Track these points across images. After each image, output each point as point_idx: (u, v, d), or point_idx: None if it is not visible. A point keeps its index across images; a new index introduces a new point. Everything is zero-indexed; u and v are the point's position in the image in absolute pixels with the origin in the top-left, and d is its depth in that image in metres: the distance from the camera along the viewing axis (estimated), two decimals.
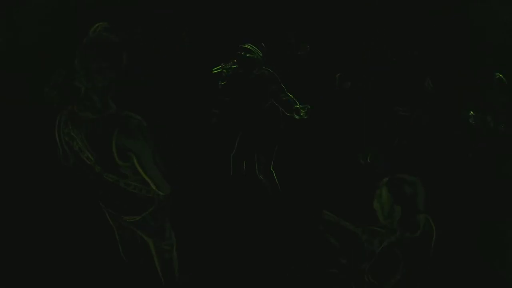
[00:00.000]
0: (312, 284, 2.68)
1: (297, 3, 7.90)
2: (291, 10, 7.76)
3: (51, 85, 1.69)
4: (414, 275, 1.83)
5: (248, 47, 3.15)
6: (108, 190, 1.93)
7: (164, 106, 4.60)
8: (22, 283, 2.65)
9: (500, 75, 4.12)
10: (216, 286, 2.73)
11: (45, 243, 2.92)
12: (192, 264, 2.66)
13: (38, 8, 5.72)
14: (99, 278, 2.67)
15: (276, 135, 3.37)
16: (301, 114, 2.91)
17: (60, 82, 1.64)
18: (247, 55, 3.13)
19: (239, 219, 3.30)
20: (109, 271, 2.68)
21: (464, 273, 2.78)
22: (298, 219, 3.27)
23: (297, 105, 2.98)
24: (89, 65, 1.62)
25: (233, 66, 3.18)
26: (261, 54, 3.16)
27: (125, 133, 1.68)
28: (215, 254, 2.92)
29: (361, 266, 1.95)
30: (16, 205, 3.26)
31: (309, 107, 2.94)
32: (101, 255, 2.77)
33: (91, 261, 2.77)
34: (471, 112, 4.15)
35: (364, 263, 1.95)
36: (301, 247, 2.97)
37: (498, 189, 3.63)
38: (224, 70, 3.20)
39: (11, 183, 3.47)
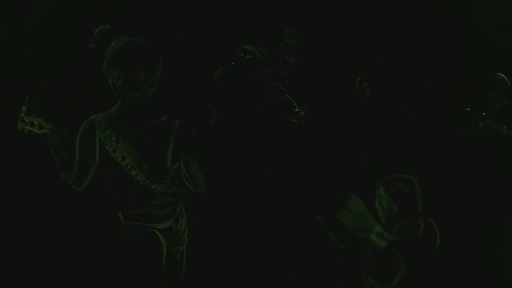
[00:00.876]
0: (313, 284, 2.68)
1: (296, 2, 7.92)
2: (291, 10, 7.77)
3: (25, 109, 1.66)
4: (415, 276, 1.83)
5: (247, 47, 3.15)
6: (141, 200, 1.91)
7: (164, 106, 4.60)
8: (22, 283, 2.65)
9: (503, 75, 4.12)
10: (217, 286, 2.73)
11: (50, 246, 2.92)
12: (195, 264, 2.66)
13: (38, 7, 5.72)
14: (101, 279, 2.67)
15: (275, 136, 3.36)
16: (300, 117, 2.94)
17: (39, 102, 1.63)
18: (246, 56, 3.13)
19: (239, 219, 3.30)
20: (112, 273, 2.68)
21: (464, 273, 2.78)
22: (299, 218, 3.27)
23: (295, 107, 3.01)
24: (135, 74, 1.57)
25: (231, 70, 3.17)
26: (259, 55, 3.16)
27: (181, 140, 1.72)
28: (217, 254, 2.92)
29: (362, 267, 1.95)
30: (20, 211, 3.26)
31: (306, 110, 2.97)
32: (102, 256, 2.77)
33: (93, 263, 2.78)
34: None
35: (364, 263, 1.95)
36: (302, 246, 2.97)
37: (498, 189, 3.63)
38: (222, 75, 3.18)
39: (14, 186, 3.47)
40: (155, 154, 1.72)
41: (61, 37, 5.14)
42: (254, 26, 7.34)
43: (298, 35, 4.65)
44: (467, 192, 3.61)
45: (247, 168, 3.61)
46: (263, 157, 3.43)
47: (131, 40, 1.61)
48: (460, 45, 6.37)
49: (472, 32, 6.24)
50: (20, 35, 5.56)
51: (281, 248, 2.96)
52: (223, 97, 3.39)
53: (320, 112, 5.41)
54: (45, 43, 5.51)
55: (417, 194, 1.78)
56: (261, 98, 3.18)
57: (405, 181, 1.81)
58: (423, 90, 4.41)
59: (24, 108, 1.93)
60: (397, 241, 1.79)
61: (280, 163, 4.10)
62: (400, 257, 1.75)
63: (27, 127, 1.92)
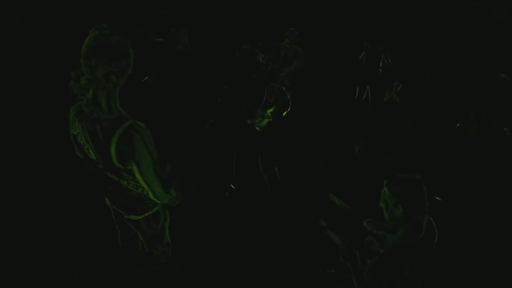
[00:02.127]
0: (313, 284, 2.68)
1: (297, 2, 7.92)
2: (291, 10, 7.77)
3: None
4: (417, 275, 1.83)
5: (246, 47, 3.16)
6: (113, 187, 1.93)
7: (160, 109, 4.60)
8: (22, 283, 2.65)
9: (504, 76, 4.11)
10: (217, 286, 2.73)
11: (47, 241, 2.91)
12: (193, 267, 2.66)
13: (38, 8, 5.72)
14: (101, 278, 2.67)
15: (276, 133, 3.35)
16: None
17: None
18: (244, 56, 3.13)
19: (239, 220, 3.30)
20: (110, 271, 2.68)
21: (465, 272, 2.78)
22: (300, 217, 3.27)
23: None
24: (96, 69, 1.60)
25: None
26: (258, 55, 3.17)
27: (126, 139, 1.67)
28: (216, 255, 2.91)
29: (363, 266, 1.96)
30: (19, 202, 3.26)
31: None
32: (102, 255, 2.77)
33: (93, 260, 2.77)
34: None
35: (366, 262, 1.95)
36: (303, 245, 2.96)
37: (498, 189, 3.63)
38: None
39: (13, 180, 3.47)
40: (103, 149, 1.72)
41: (60, 37, 5.15)
42: (255, 27, 7.35)
43: (298, 36, 4.70)
44: (467, 192, 3.61)
45: (247, 168, 3.61)
46: (263, 157, 3.42)
47: (96, 36, 1.63)
48: (460, 45, 6.38)
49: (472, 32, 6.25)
50: (19, 35, 5.57)
51: (281, 248, 2.96)
52: (223, 94, 3.39)
53: (320, 113, 5.42)
54: (44, 43, 5.52)
55: (422, 194, 1.78)
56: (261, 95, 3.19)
57: (410, 181, 1.80)
58: (424, 89, 4.41)
59: None
60: (399, 241, 1.79)
61: (283, 162, 4.10)
62: (400, 256, 1.76)
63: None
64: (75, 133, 1.77)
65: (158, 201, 1.91)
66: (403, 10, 7.24)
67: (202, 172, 3.84)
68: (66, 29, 5.21)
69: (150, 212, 2.00)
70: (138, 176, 1.76)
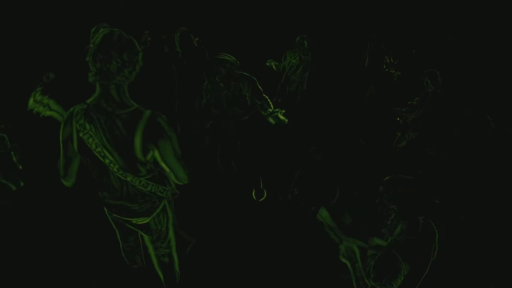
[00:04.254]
0: (314, 284, 2.68)
1: (299, 2, 7.92)
2: (291, 10, 7.78)
3: (38, 91, 1.71)
4: (415, 275, 1.83)
5: (224, 56, 3.17)
6: (118, 191, 1.92)
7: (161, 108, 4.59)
8: (22, 283, 2.65)
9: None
10: (217, 286, 2.73)
11: (45, 244, 2.92)
12: (194, 266, 2.66)
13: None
14: (101, 280, 2.67)
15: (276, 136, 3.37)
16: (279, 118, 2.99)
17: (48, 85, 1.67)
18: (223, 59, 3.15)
19: (240, 219, 3.30)
20: (110, 273, 2.68)
21: (464, 272, 2.78)
22: (300, 217, 3.27)
23: (271, 109, 3.06)
24: (106, 63, 1.63)
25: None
26: (234, 59, 3.18)
27: (150, 130, 1.71)
28: (215, 255, 2.92)
29: (363, 266, 1.96)
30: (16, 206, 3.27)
31: (282, 111, 3.01)
32: (102, 257, 2.77)
33: (93, 263, 2.78)
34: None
35: (366, 262, 1.95)
36: (302, 245, 2.97)
37: (498, 189, 3.64)
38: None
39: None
40: (124, 143, 1.73)
41: (60, 37, 5.16)
42: (262, 33, 7.36)
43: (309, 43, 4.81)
44: (467, 191, 3.61)
45: (247, 167, 3.61)
46: (263, 156, 3.42)
47: (108, 33, 1.66)
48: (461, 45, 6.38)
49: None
50: (20, 35, 5.58)
51: (282, 248, 2.96)
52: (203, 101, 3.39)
53: (321, 112, 5.43)
54: (45, 43, 5.52)
55: (417, 195, 1.78)
56: (240, 100, 3.22)
57: (405, 182, 1.81)
58: (424, 89, 4.41)
59: (39, 88, 2.02)
60: (397, 241, 1.79)
61: (282, 162, 4.11)
62: (400, 257, 1.75)
63: (37, 108, 2.00)
64: (84, 137, 1.75)
65: (183, 182, 1.95)
66: (404, 10, 7.25)
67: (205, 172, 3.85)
68: (66, 29, 5.22)
69: (158, 210, 2.01)
70: (161, 161, 1.81)
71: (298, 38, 5.24)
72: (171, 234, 2.22)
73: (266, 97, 3.23)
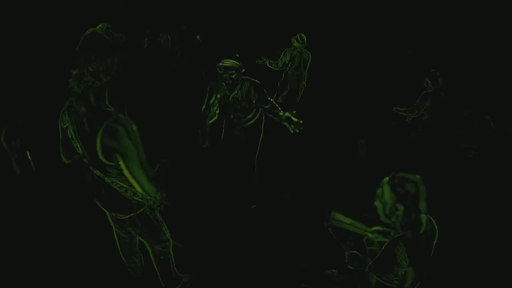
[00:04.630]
0: (316, 284, 2.67)
1: (300, 2, 7.93)
2: (292, 10, 7.79)
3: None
4: (417, 273, 1.83)
5: (227, 63, 3.12)
6: (99, 185, 1.94)
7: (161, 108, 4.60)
8: (22, 283, 2.65)
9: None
10: (215, 285, 2.72)
11: (43, 240, 2.91)
12: (191, 264, 2.66)
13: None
14: (98, 277, 2.67)
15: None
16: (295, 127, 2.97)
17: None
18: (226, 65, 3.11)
19: (241, 219, 3.30)
20: (107, 270, 2.67)
21: (464, 271, 2.78)
22: (302, 218, 3.26)
23: (280, 112, 3.04)
24: (86, 66, 1.66)
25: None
26: (238, 64, 3.13)
27: (110, 132, 1.69)
28: (213, 253, 2.91)
29: (365, 265, 1.96)
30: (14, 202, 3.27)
31: (293, 112, 3.00)
32: (99, 253, 2.76)
33: (90, 260, 2.77)
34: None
35: (368, 261, 1.95)
36: (306, 245, 2.96)
37: (498, 189, 3.64)
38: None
39: (8, 179, 3.48)
40: (90, 143, 1.75)
41: (60, 37, 5.16)
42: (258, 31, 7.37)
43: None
44: (467, 191, 3.61)
45: (250, 168, 3.60)
46: (266, 158, 3.41)
47: (86, 36, 1.69)
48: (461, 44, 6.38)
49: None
50: (19, 35, 5.58)
51: (284, 248, 2.96)
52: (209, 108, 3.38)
53: (320, 112, 5.43)
54: (44, 43, 5.53)
55: (421, 194, 1.78)
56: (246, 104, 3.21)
57: (411, 182, 1.80)
58: (424, 89, 4.42)
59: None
60: (398, 239, 1.79)
61: (280, 162, 4.11)
62: (402, 254, 1.75)
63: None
64: (64, 126, 1.82)
65: (146, 197, 1.91)
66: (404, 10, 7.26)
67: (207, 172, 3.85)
68: (67, 29, 5.22)
69: (134, 213, 2.00)
70: (124, 170, 1.77)
71: (296, 36, 5.27)
72: (165, 236, 2.22)
73: (272, 100, 3.18)
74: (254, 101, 3.20)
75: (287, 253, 2.91)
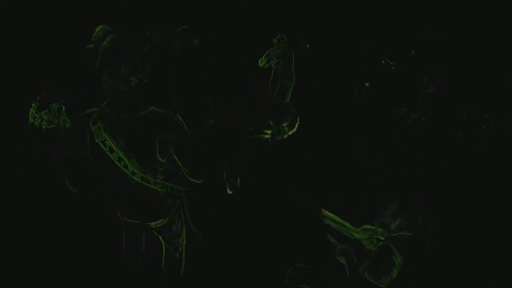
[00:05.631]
0: (312, 284, 2.68)
1: (299, 3, 7.93)
2: (292, 10, 7.78)
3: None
4: (411, 272, 1.84)
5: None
6: (134, 196, 1.94)
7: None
8: (22, 283, 2.66)
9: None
10: (217, 285, 2.73)
11: (47, 246, 2.93)
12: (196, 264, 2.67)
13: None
14: (100, 277, 2.68)
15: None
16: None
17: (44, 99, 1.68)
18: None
19: (239, 219, 3.31)
20: (111, 273, 2.68)
21: (461, 271, 2.78)
22: (297, 218, 3.27)
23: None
24: (120, 66, 1.67)
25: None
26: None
27: (168, 130, 1.76)
28: (217, 254, 2.92)
29: (360, 264, 1.97)
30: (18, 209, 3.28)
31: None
32: (99, 253, 2.78)
33: (93, 263, 2.78)
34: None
35: (363, 261, 1.96)
36: (300, 246, 2.97)
37: (498, 189, 3.64)
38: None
39: (12, 184, 3.49)
40: (143, 145, 1.76)
41: (60, 37, 5.16)
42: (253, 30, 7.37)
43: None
44: (466, 191, 3.62)
45: (248, 166, 3.61)
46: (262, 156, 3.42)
47: (117, 36, 1.67)
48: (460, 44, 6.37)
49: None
50: (19, 35, 5.59)
51: (281, 248, 2.96)
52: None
53: (319, 111, 5.43)
54: (45, 43, 5.53)
55: (414, 193, 1.80)
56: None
57: (403, 181, 1.83)
58: (424, 90, 4.42)
59: (34, 104, 2.03)
60: (393, 238, 1.81)
61: (277, 162, 4.11)
62: (395, 253, 1.77)
63: (37, 122, 2.02)
64: (99, 140, 1.79)
65: (196, 180, 1.97)
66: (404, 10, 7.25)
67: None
68: (67, 30, 5.22)
69: (172, 213, 2.02)
70: (178, 158, 1.85)
71: (277, 37, 5.35)
72: (184, 232, 2.27)
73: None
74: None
75: (285, 253, 2.92)
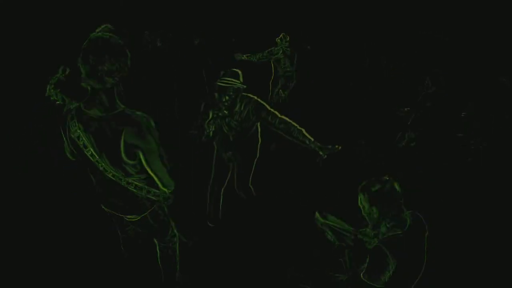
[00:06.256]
0: (310, 284, 2.68)
1: (300, 3, 7.93)
2: (292, 10, 7.79)
3: (53, 83, 1.72)
4: (405, 272, 1.85)
5: (226, 81, 2.72)
6: (109, 190, 1.95)
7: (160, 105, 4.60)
8: (22, 283, 2.66)
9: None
10: (215, 285, 2.73)
11: (47, 243, 2.92)
12: (192, 263, 2.67)
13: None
14: (100, 277, 2.68)
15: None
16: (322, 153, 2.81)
17: (62, 80, 1.68)
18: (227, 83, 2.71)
19: (238, 219, 3.31)
20: (110, 270, 2.68)
21: (458, 270, 2.78)
22: (295, 218, 3.27)
23: (307, 138, 2.78)
24: (97, 66, 1.64)
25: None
26: (240, 83, 2.75)
27: (134, 131, 1.71)
28: (217, 253, 2.92)
29: (356, 265, 1.98)
30: (17, 205, 3.27)
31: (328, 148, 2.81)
32: (102, 253, 2.77)
33: (92, 260, 2.78)
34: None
35: (358, 261, 1.97)
36: (299, 246, 2.97)
37: (497, 189, 3.64)
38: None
39: (12, 182, 3.48)
40: (111, 145, 1.75)
41: (60, 37, 5.16)
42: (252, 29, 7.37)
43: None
44: (466, 191, 3.62)
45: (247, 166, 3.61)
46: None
47: (96, 36, 1.68)
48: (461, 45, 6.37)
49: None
50: (19, 35, 5.59)
51: (280, 248, 2.96)
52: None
53: (318, 111, 5.44)
54: (45, 43, 5.53)
55: (394, 193, 1.82)
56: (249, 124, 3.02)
57: (381, 183, 1.85)
58: (423, 90, 4.42)
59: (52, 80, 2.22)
60: (386, 237, 1.82)
61: (276, 162, 4.11)
62: (390, 253, 1.78)
63: (53, 97, 2.17)
64: (74, 136, 1.79)
65: (161, 193, 1.96)
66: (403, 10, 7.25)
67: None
68: (67, 30, 5.23)
69: (148, 211, 2.02)
70: (146, 165, 1.81)
71: (280, 36, 5.44)
72: (170, 230, 2.25)
73: (275, 112, 2.80)
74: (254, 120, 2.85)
75: (284, 254, 2.92)
